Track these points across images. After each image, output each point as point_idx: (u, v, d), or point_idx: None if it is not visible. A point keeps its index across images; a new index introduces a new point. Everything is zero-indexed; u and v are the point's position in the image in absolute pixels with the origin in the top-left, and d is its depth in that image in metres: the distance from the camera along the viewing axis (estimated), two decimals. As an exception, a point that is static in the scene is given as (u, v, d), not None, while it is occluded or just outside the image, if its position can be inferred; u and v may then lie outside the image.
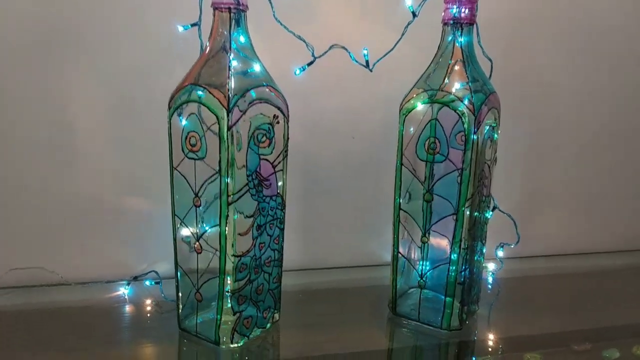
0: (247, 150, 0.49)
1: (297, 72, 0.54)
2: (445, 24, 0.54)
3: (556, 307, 0.67)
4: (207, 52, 0.50)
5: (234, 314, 0.51)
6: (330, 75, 0.69)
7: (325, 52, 0.54)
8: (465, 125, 0.51)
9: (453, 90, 0.52)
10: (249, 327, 0.53)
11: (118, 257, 0.69)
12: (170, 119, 0.50)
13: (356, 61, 0.57)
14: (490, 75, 0.59)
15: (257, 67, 0.51)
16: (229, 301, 0.50)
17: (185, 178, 0.50)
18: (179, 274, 0.53)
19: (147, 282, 0.66)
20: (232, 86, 0.47)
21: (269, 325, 0.55)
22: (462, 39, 0.53)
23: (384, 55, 0.57)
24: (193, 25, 0.54)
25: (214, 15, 0.49)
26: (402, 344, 0.57)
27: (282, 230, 0.55)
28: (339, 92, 0.71)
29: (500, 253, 0.70)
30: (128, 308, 0.62)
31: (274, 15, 0.52)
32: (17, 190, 0.64)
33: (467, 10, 0.53)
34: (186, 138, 0.49)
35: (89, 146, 0.65)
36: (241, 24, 0.50)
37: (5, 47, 0.60)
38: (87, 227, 0.68)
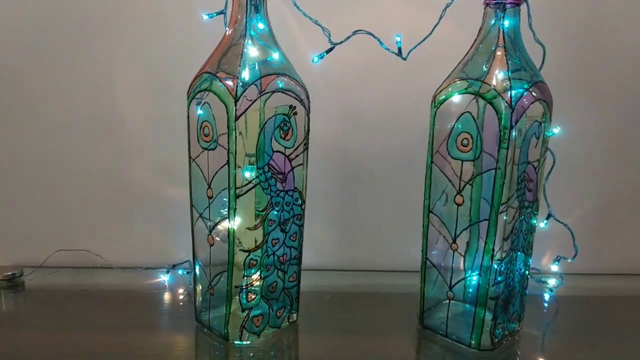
0: (258, 142, 0.47)
1: (315, 59, 0.51)
2: (487, 4, 0.48)
3: (621, 333, 0.57)
4: (226, 39, 0.48)
5: (242, 311, 0.49)
6: (370, 66, 0.65)
7: (348, 38, 0.50)
8: (502, 120, 0.45)
9: (490, 80, 0.46)
10: (259, 326, 0.51)
11: (159, 244, 0.71)
12: (188, 108, 0.50)
13: (387, 49, 0.52)
14: (542, 64, 0.52)
15: (275, 56, 0.48)
16: (240, 297, 0.49)
17: (200, 169, 0.49)
18: (196, 266, 0.53)
19: (180, 272, 0.67)
20: (243, 75, 0.45)
21: (283, 325, 0.53)
22: (505, 22, 0.47)
23: (420, 42, 0.53)
24: (219, 13, 0.54)
25: (233, 1, 0.48)
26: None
27: (300, 227, 0.53)
28: (381, 84, 0.67)
29: (555, 267, 0.62)
30: (167, 295, 0.64)
31: (293, 1, 0.50)
32: (66, 175, 0.68)
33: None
34: (201, 127, 0.48)
35: (136, 134, 0.68)
36: (260, 10, 0.48)
37: (52, 36, 0.64)
38: (131, 214, 0.70)
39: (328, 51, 0.51)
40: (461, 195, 0.49)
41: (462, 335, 0.51)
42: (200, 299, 0.54)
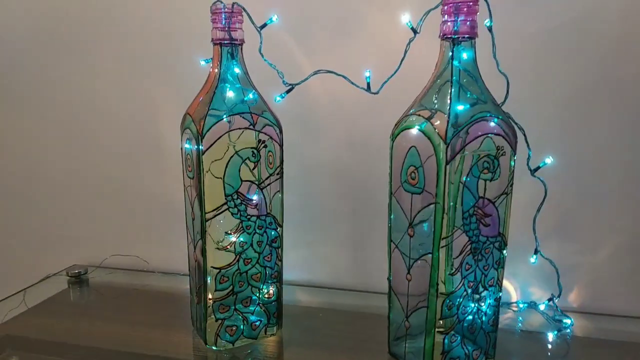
0: (225, 172, 0.53)
1: (277, 99, 0.56)
2: (442, 38, 0.48)
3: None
4: (208, 82, 0.56)
5: (215, 320, 0.56)
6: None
7: (307, 79, 0.54)
8: (438, 155, 0.45)
9: (432, 115, 0.46)
10: (234, 335, 0.57)
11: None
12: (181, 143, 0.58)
13: (355, 85, 0.55)
14: (506, 95, 0.50)
15: (250, 95, 0.55)
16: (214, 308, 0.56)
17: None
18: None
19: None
20: (208, 120, 0.52)
21: (259, 336, 0.59)
22: (457, 55, 0.47)
23: (390, 77, 0.54)
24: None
25: (213, 50, 0.55)
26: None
27: (276, 249, 0.58)
28: (382, 111, 0.69)
29: (542, 307, 0.58)
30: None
31: (260, 50, 0.55)
32: (123, 194, 0.82)
33: (467, 23, 0.47)
34: (185, 160, 0.56)
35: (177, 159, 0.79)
36: (236, 56, 0.55)
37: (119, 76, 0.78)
38: (174, 228, 0.81)
39: (287, 91, 0.56)
40: (412, 228, 0.50)
41: (420, 365, 0.51)
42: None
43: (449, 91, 0.47)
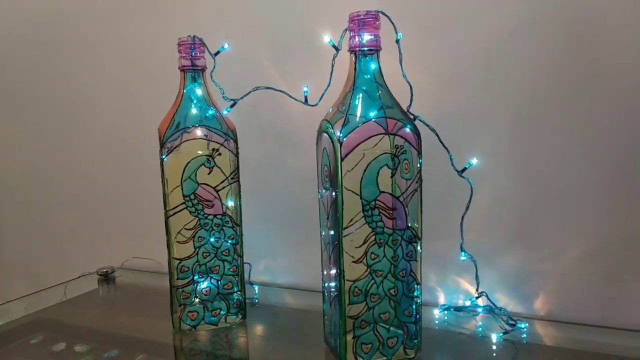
0: (182, 178, 0.63)
1: (225, 112, 0.65)
2: (349, 51, 0.54)
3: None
4: (177, 100, 0.66)
5: (179, 306, 0.65)
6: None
7: (247, 94, 0.63)
8: (335, 153, 0.51)
9: (337, 118, 0.52)
10: (195, 320, 0.65)
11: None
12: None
13: (295, 99, 0.62)
14: (411, 100, 0.54)
15: (210, 112, 0.64)
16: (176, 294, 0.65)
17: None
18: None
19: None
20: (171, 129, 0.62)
21: (220, 324, 0.66)
22: (363, 66, 0.53)
23: (325, 91, 0.61)
24: (232, 106, 0.70)
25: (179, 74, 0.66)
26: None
27: (234, 245, 0.66)
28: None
29: (468, 303, 0.58)
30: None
31: (211, 74, 0.65)
32: (141, 197, 0.95)
33: (370, 37, 0.52)
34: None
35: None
36: (197, 80, 0.65)
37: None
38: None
39: (231, 106, 0.64)
40: (328, 221, 0.55)
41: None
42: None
43: (352, 97, 0.52)
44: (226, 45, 0.66)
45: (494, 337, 0.60)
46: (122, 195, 0.99)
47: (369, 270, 0.52)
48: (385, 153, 0.51)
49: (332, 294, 0.55)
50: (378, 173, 0.51)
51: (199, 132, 0.63)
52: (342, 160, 0.50)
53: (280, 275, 0.85)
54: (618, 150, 0.60)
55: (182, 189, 0.63)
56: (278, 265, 0.85)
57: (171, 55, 0.66)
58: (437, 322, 0.66)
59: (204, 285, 0.65)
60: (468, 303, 0.67)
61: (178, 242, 0.64)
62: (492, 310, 0.65)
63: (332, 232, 0.54)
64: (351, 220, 0.51)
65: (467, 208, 0.59)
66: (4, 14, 1.09)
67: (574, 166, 0.63)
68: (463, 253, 0.59)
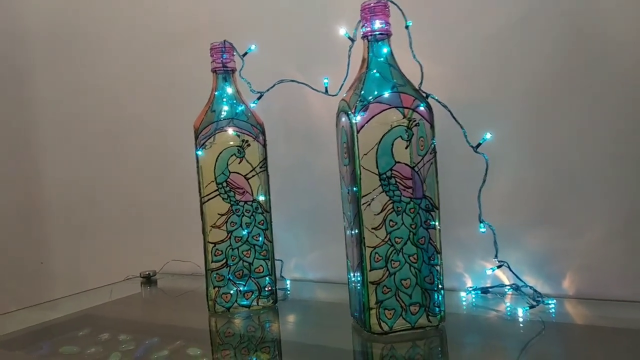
0: (215, 167, 0.68)
1: (252, 105, 0.70)
2: (363, 38, 0.59)
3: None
4: (210, 99, 0.72)
5: (213, 288, 0.69)
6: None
7: (272, 87, 0.68)
8: (352, 127, 0.55)
9: (352, 98, 0.57)
10: (228, 302, 0.69)
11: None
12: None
13: (316, 90, 0.67)
14: (421, 79, 0.58)
15: (240, 108, 0.70)
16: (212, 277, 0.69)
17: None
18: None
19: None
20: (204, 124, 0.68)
21: (253, 305, 0.69)
22: (376, 50, 0.58)
23: (344, 81, 0.66)
24: (259, 98, 0.76)
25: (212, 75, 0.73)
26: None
27: (264, 230, 0.70)
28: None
29: (489, 272, 0.59)
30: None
31: (239, 73, 0.71)
32: (179, 203, 1.01)
33: (380, 23, 0.57)
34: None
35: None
36: (228, 79, 0.71)
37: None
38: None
39: (258, 98, 0.70)
40: (349, 195, 0.58)
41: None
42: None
43: (366, 78, 0.57)
44: (253, 47, 0.72)
45: (520, 312, 0.60)
46: (161, 202, 1.06)
47: (388, 236, 0.55)
48: (399, 125, 0.55)
49: (355, 265, 0.58)
50: (393, 144, 0.55)
51: (230, 126, 0.69)
52: (357, 132, 0.54)
53: (311, 271, 0.88)
54: None
55: (215, 177, 0.68)
56: (307, 262, 0.88)
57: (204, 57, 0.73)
58: (464, 303, 0.67)
59: (236, 268, 0.69)
60: (489, 272, 0.67)
61: (212, 227, 0.68)
62: (518, 288, 0.66)
63: (352, 206, 0.57)
64: (369, 192, 0.55)
65: (484, 181, 0.61)
66: (46, 24, 1.21)
67: (598, 142, 0.64)
68: (482, 225, 0.61)
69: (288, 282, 0.83)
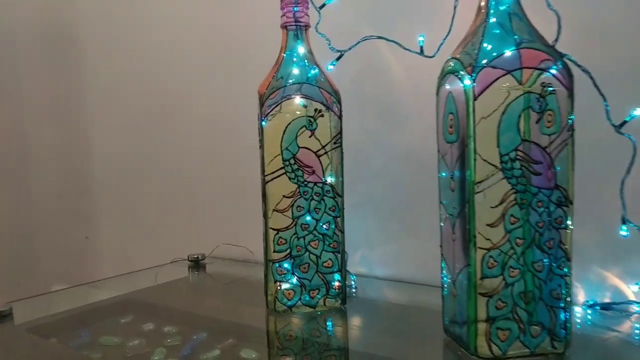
0: (282, 141, 0.57)
1: (329, 67, 0.58)
2: (481, -16, 0.46)
3: None
4: (278, 60, 0.61)
5: (274, 282, 0.58)
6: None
7: (356, 45, 0.56)
8: (467, 92, 0.42)
9: (464, 56, 0.44)
10: (291, 300, 0.58)
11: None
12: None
13: (409, 50, 0.55)
14: (558, 32, 0.44)
15: (313, 72, 0.59)
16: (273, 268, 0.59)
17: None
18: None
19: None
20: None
21: (318, 305, 0.59)
22: (498, -4, 0.45)
23: (444, 40, 0.53)
24: (338, 58, 0.65)
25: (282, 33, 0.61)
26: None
27: (335, 217, 0.59)
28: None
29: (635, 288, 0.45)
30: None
31: (316, 27, 0.59)
32: (233, 182, 0.92)
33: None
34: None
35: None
36: (300, 37, 0.60)
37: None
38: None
39: (338, 58, 0.58)
40: (453, 181, 0.46)
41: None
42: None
43: (484, 32, 0.44)
44: (332, -3, 0.60)
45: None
46: (215, 179, 0.97)
47: (507, 236, 0.43)
48: (530, 92, 0.42)
49: (456, 269, 0.46)
50: (520, 117, 0.42)
51: (300, 92, 0.58)
52: (475, 99, 0.42)
53: (379, 267, 0.76)
54: None
55: (281, 153, 0.57)
56: (376, 256, 0.77)
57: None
58: (579, 320, 0.54)
59: (301, 260, 0.58)
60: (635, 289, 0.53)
61: (275, 210, 0.58)
62: (653, 307, 0.52)
63: (457, 194, 0.45)
64: (485, 177, 0.42)
65: (629, 171, 0.47)
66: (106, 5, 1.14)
67: None
68: (624, 226, 0.47)
69: (354, 278, 0.72)
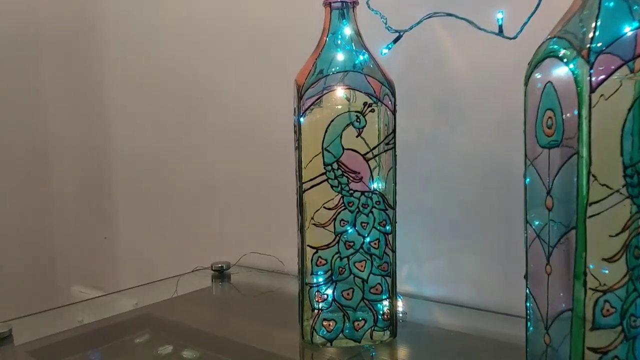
0: (323, 141, 0.47)
1: (383, 51, 0.48)
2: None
3: None
4: (319, 44, 0.51)
5: (312, 310, 0.49)
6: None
7: (419, 23, 0.46)
8: (580, 82, 0.32)
9: (571, 37, 0.33)
10: (331, 332, 0.49)
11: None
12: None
13: (484, 29, 0.44)
14: None
15: (362, 57, 0.49)
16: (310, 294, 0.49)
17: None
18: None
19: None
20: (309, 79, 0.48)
21: (363, 338, 0.49)
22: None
23: (529, 18, 0.43)
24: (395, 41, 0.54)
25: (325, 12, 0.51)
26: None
27: (385, 234, 0.49)
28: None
29: None
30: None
31: (367, 3, 0.49)
32: (267, 180, 0.83)
33: None
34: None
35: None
36: (347, 17, 0.50)
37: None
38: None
39: (395, 40, 0.48)
40: (550, 197, 0.36)
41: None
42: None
43: (601, 6, 0.33)
44: (386, -32, 0.50)
45: None
46: (244, 180, 0.88)
47: (628, 274, 0.32)
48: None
49: (552, 310, 0.36)
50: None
51: (345, 83, 0.48)
52: (592, 91, 0.31)
53: (428, 286, 0.66)
54: None
55: (322, 155, 0.48)
56: (425, 273, 0.67)
57: None
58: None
59: (344, 285, 0.49)
60: None
61: (314, 224, 0.48)
62: None
63: (558, 215, 0.34)
64: (603, 196, 0.32)
65: None
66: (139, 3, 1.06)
67: None
68: None
69: (400, 300, 0.62)
